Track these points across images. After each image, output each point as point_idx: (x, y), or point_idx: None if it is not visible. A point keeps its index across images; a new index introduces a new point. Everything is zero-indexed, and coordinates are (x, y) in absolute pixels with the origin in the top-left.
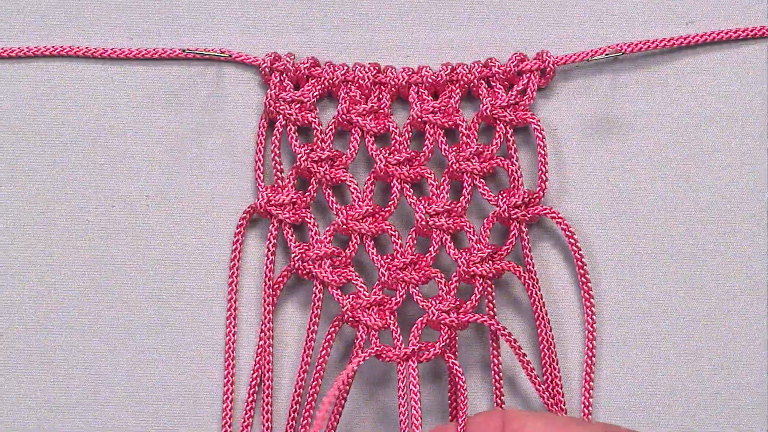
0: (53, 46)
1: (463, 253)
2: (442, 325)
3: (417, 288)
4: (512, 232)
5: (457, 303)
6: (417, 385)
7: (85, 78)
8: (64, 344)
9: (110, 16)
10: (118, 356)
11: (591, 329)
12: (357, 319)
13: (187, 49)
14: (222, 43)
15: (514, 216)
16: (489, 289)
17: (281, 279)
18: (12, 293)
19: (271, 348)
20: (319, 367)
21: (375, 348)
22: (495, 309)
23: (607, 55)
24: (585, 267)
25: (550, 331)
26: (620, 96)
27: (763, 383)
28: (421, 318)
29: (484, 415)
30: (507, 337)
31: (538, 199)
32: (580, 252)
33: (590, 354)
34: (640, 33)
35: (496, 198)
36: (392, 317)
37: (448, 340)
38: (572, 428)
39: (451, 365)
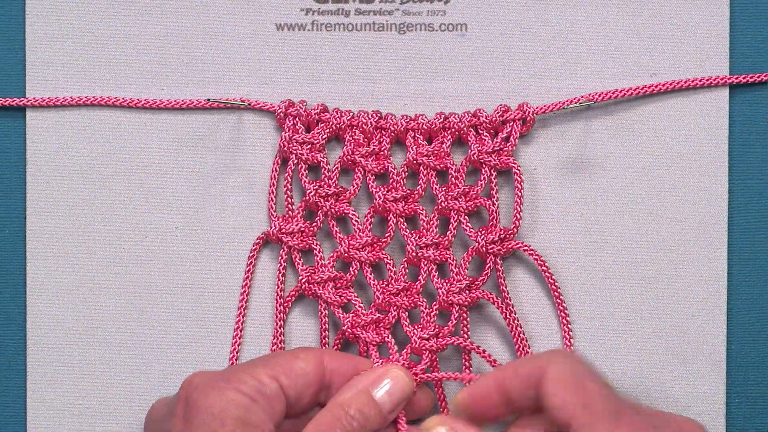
0: (94, 96)
1: (444, 283)
2: (423, 350)
3: (406, 312)
4: (488, 265)
5: (437, 329)
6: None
7: (121, 124)
8: (103, 358)
9: (143, 70)
10: (150, 369)
11: (569, 345)
12: (356, 335)
13: (211, 99)
14: (242, 93)
15: (491, 250)
16: (465, 314)
17: (290, 297)
18: (57, 312)
19: None
20: None
21: None
22: (470, 332)
23: (580, 103)
24: (559, 290)
25: (529, 348)
26: (592, 140)
27: (718, 392)
28: (408, 346)
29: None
30: (482, 354)
31: (512, 235)
32: (553, 278)
33: None
34: (610, 84)
35: (476, 234)
36: (388, 333)
37: (429, 362)
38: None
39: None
